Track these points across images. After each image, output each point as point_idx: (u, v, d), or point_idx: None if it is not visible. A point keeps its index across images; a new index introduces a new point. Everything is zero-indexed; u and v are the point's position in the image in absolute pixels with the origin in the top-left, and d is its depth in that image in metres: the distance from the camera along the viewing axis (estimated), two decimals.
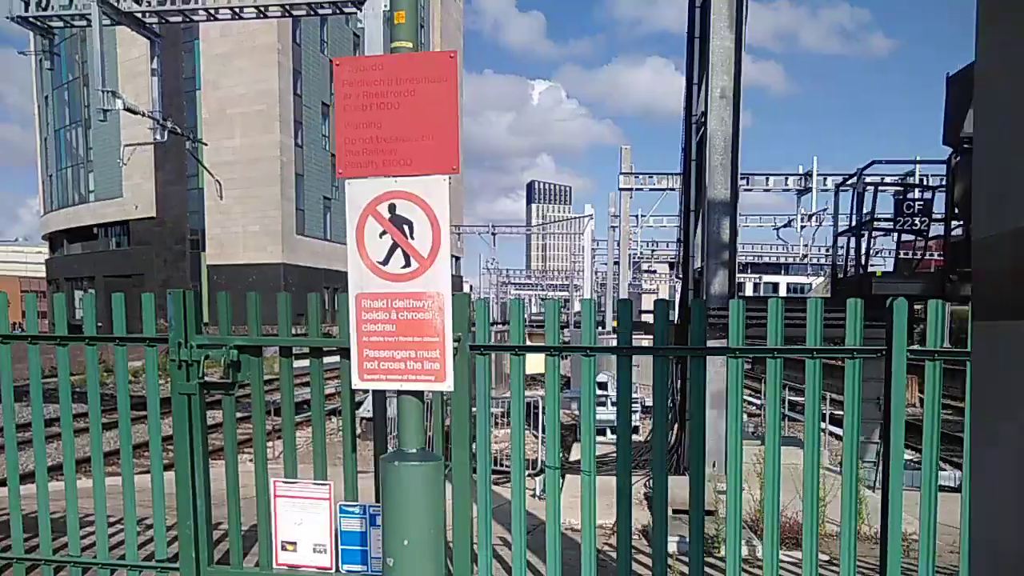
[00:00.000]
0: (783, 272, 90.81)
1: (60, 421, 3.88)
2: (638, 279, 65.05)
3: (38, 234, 64.55)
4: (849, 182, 7.88)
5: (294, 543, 3.58)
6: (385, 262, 2.18)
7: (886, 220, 7.28)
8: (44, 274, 63.33)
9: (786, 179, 31.22)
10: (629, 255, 39.01)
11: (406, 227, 2.15)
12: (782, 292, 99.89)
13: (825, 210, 30.71)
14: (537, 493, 7.59)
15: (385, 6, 13.87)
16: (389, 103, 2.11)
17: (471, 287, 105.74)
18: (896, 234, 7.65)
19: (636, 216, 42.13)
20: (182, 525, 3.62)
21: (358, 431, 14.50)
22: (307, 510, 3.55)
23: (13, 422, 3.94)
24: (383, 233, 2.18)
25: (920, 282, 6.61)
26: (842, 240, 8.07)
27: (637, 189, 34.20)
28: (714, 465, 7.95)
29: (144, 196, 50.16)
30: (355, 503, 3.56)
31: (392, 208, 2.16)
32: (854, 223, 7.43)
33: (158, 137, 15.67)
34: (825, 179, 29.32)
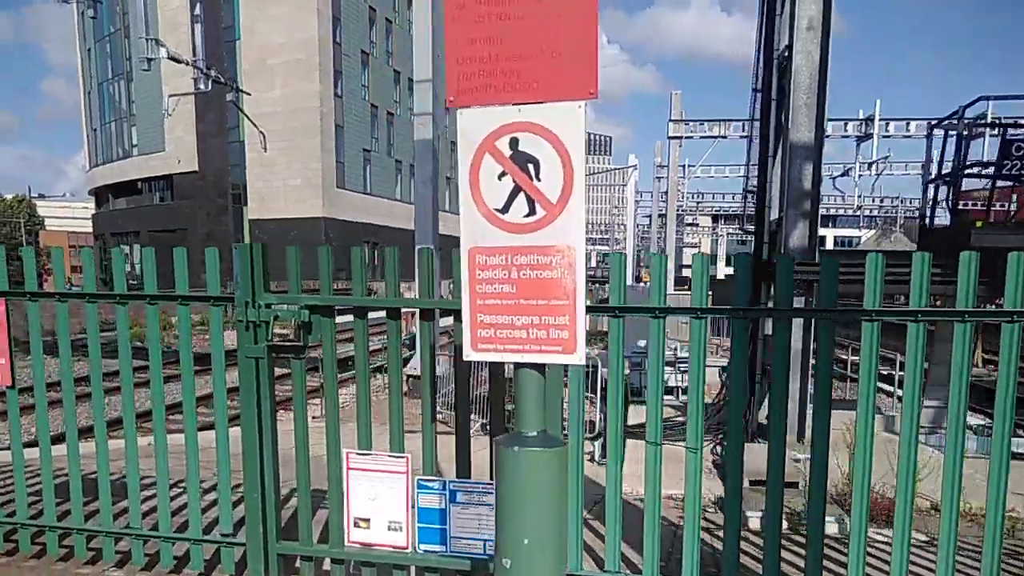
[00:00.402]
0: (831, 224, 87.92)
1: (121, 376, 3.65)
2: (680, 232, 63.63)
3: (84, 189, 65.78)
4: (946, 122, 7.19)
5: (367, 520, 3.33)
6: (505, 210, 1.80)
7: (987, 165, 6.63)
8: (91, 229, 64.68)
9: (845, 124, 29.50)
10: (676, 207, 37.91)
11: (531, 167, 1.76)
12: (828, 246, 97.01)
13: (887, 158, 29.24)
14: (596, 458, 7.31)
15: None
16: (511, 13, 1.70)
17: None
18: (991, 181, 6.98)
19: (683, 166, 40.88)
20: (249, 497, 3.38)
21: (404, 388, 14.34)
22: (382, 484, 3.29)
23: (72, 378, 3.73)
24: (503, 174, 1.79)
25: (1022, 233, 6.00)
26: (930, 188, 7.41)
27: (687, 137, 32.98)
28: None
29: (186, 150, 50.41)
30: (434, 478, 3.28)
31: (514, 143, 1.77)
32: (950, 167, 6.77)
33: (202, 87, 15.41)
34: (888, 124, 27.70)
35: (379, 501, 3.29)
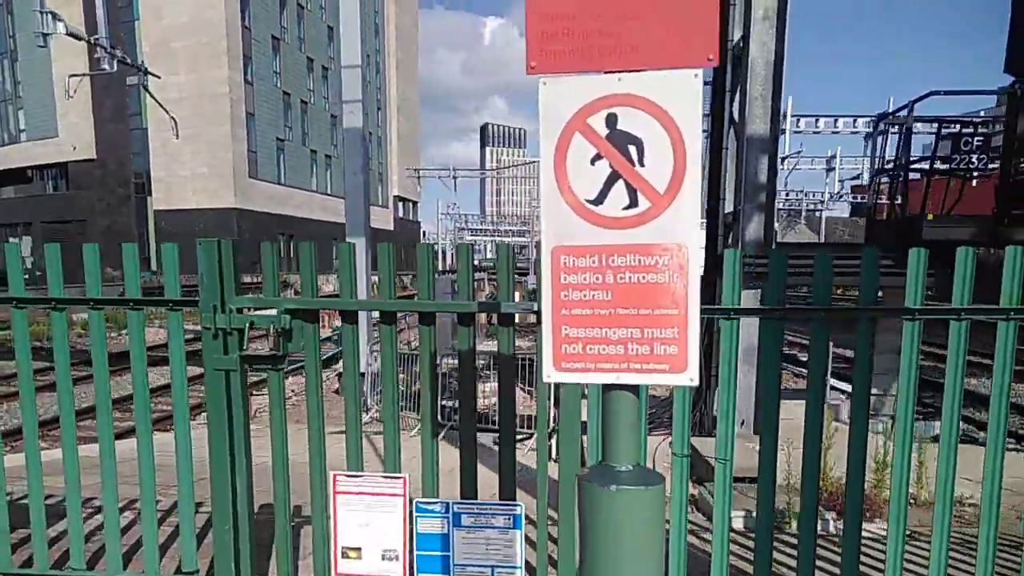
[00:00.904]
0: None
1: (58, 387, 3.12)
2: None
3: None
4: (896, 115, 7.36)
5: (358, 549, 2.95)
6: (599, 200, 1.50)
7: (935, 159, 6.80)
8: None
9: None
10: None
11: (632, 149, 1.47)
12: None
13: (799, 152, 30.52)
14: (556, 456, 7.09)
15: None
16: None
17: (425, 232, 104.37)
18: (945, 175, 7.19)
19: None
20: (218, 534, 2.94)
21: (335, 386, 13.53)
22: (375, 509, 2.92)
23: None
24: (597, 158, 1.49)
25: (970, 226, 6.19)
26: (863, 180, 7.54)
27: None
28: (742, 424, 7.57)
29: (82, 136, 47.09)
30: (435, 500, 2.94)
31: (612, 120, 1.47)
32: (900, 160, 6.92)
33: (106, 67, 14.15)
34: (799, 120, 28.98)
35: (371, 528, 2.92)
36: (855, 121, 28.78)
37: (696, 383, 1.51)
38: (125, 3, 44.97)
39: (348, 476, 2.92)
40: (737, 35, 7.10)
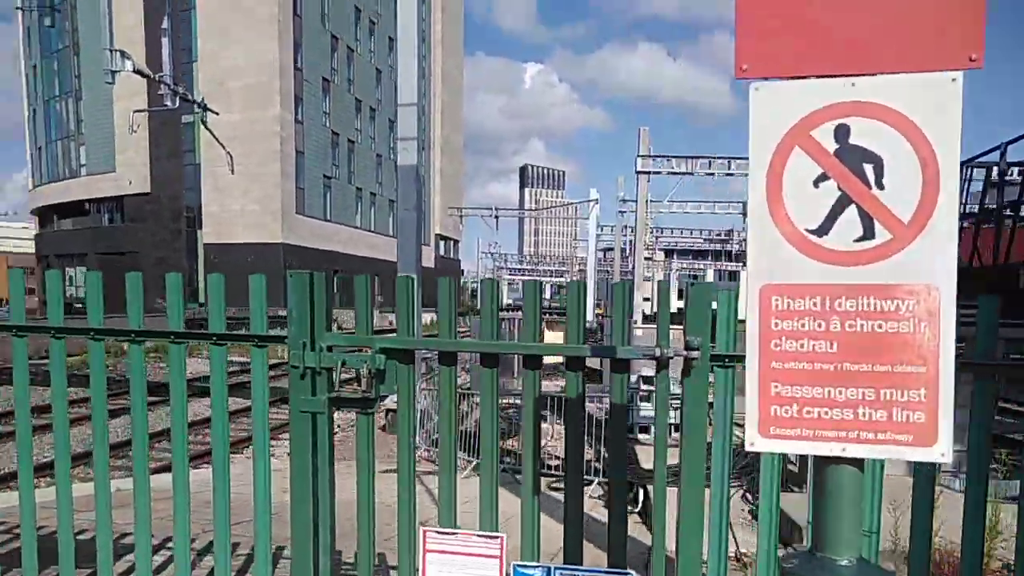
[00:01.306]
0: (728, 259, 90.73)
1: (55, 416, 2.93)
2: (624, 265, 64.39)
3: (25, 209, 62.89)
4: (982, 159, 6.99)
5: None
6: (823, 230, 1.24)
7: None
8: (32, 250, 61.72)
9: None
10: (644, 241, 38.00)
11: (869, 167, 1.21)
12: (709, 277, 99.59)
13: None
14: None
15: None
16: None
17: (465, 271, 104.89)
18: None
19: (646, 202, 41.17)
20: None
21: (380, 423, 13.42)
22: (469, 570, 2.64)
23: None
24: (822, 178, 1.23)
25: None
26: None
27: (655, 172, 33.11)
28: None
29: (138, 171, 48.70)
30: (535, 564, 2.65)
31: (842, 133, 1.21)
32: (989, 205, 6.53)
33: (168, 104, 14.52)
34: None
35: None
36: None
37: (949, 459, 1.21)
38: (185, 45, 46.80)
39: (440, 533, 2.65)
40: None
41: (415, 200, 13.71)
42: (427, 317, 37.51)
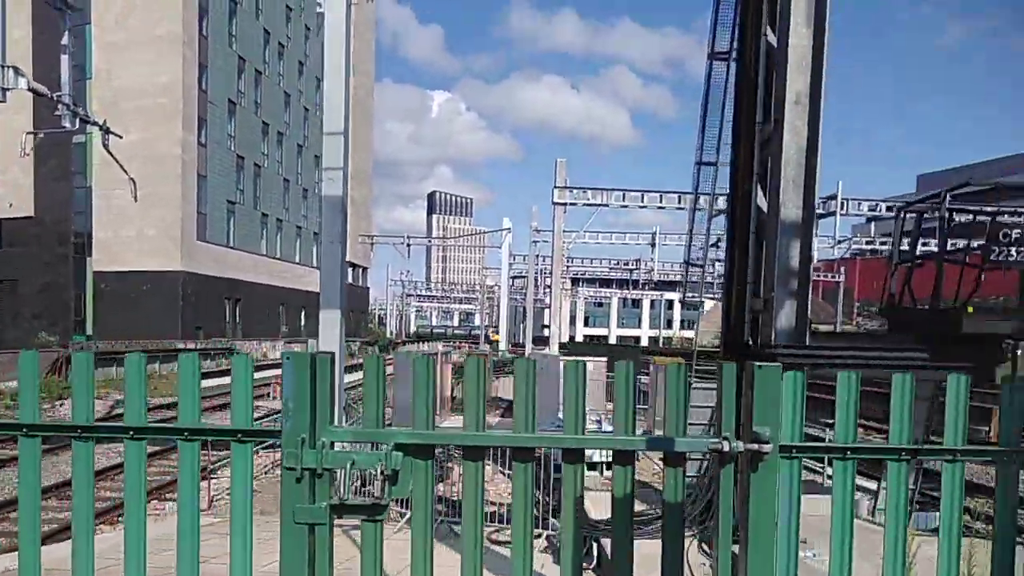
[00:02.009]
0: (677, 289, 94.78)
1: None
2: (537, 292, 65.29)
3: None
4: (922, 203, 7.30)
5: None
6: None
7: (970, 249, 6.71)
8: None
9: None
10: (560, 270, 38.41)
11: None
12: (676, 309, 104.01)
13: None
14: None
15: None
16: None
17: (375, 298, 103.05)
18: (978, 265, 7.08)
19: (549, 231, 41.77)
20: None
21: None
22: None
23: None
24: None
25: (1017, 319, 6.02)
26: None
27: (571, 204, 33.62)
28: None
29: (20, 193, 45.01)
30: None
31: None
32: (933, 248, 6.79)
33: (67, 125, 13.38)
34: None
35: None
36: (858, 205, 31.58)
37: None
38: (77, 62, 43.98)
39: None
40: (762, 118, 6.97)
41: (340, 232, 13.17)
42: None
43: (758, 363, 1.96)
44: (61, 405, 21.06)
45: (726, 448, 1.93)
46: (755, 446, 1.91)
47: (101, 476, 12.16)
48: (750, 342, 7.03)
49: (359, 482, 2.28)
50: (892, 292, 7.20)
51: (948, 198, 6.59)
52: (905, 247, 8.22)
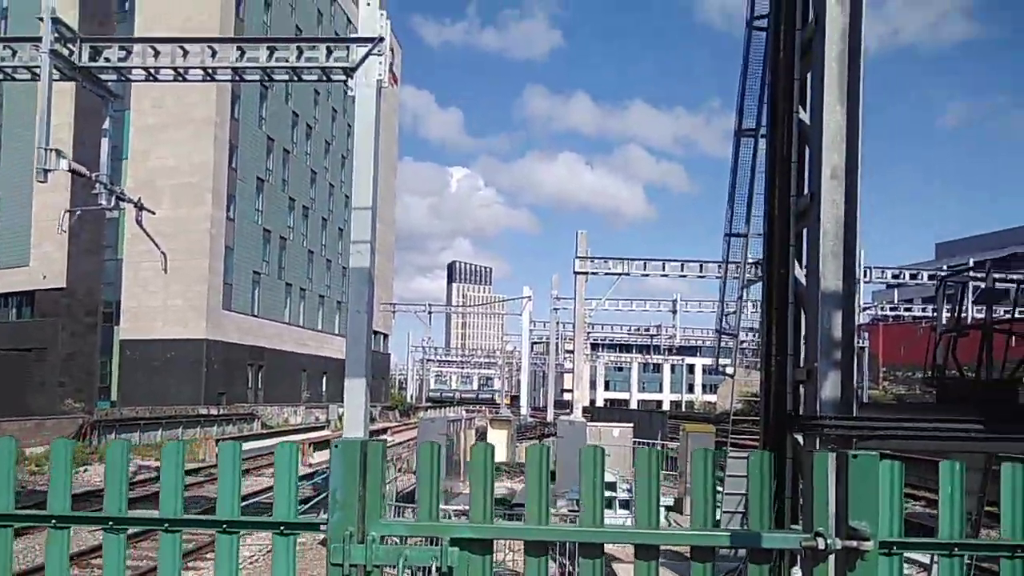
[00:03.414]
0: (698, 354, 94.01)
1: None
2: (559, 358, 65.06)
3: None
4: (968, 272, 7.16)
5: None
6: None
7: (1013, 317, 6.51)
8: None
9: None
10: (582, 337, 38.26)
11: None
12: (698, 373, 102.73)
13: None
14: None
15: (380, 75, 12.83)
16: None
17: (396, 363, 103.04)
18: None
19: (569, 298, 41.89)
20: None
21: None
22: None
23: None
24: None
25: None
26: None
27: (592, 273, 33.80)
28: None
29: (53, 266, 46.22)
30: None
31: None
32: (979, 319, 6.60)
33: (104, 202, 13.76)
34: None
35: None
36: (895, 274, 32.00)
37: None
38: (115, 143, 45.81)
39: None
40: (797, 190, 6.93)
41: (367, 302, 13.22)
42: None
43: (853, 452, 1.81)
44: (85, 471, 20.95)
45: (822, 545, 1.75)
46: (853, 543, 1.73)
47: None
48: (793, 413, 6.78)
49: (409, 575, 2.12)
50: (938, 361, 6.96)
51: (991, 267, 6.43)
52: (946, 315, 8.00)
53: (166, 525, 2.18)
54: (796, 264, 6.99)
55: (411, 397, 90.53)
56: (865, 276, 33.19)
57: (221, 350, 46.01)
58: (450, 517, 6.69)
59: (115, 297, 46.16)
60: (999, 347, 7.08)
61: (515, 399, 71.13)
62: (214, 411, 39.25)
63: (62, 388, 46.50)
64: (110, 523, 2.13)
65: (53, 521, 2.16)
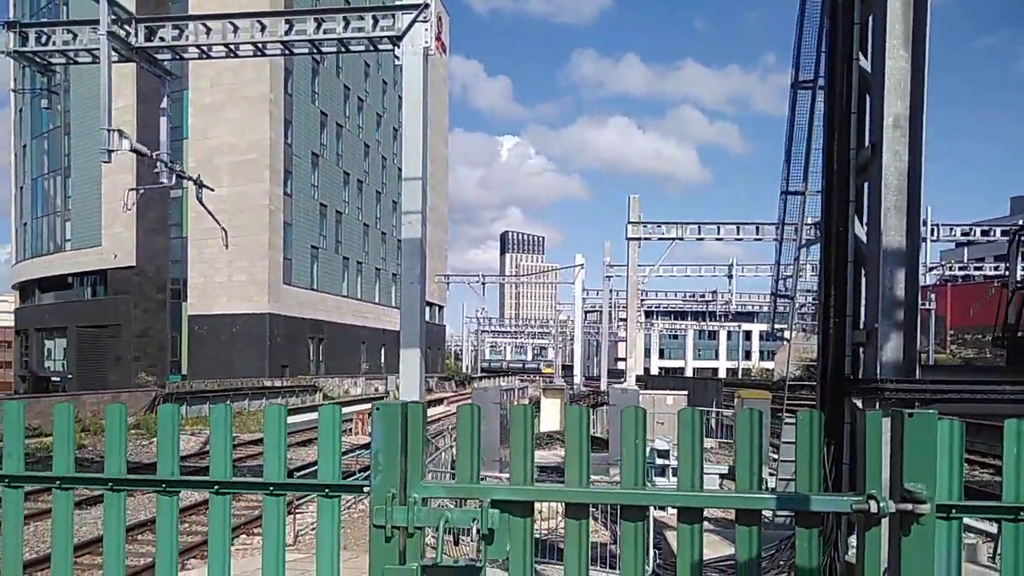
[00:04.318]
0: (755, 320, 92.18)
1: None
2: (612, 326, 64.60)
3: (7, 283, 61.96)
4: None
5: None
6: None
7: None
8: (12, 324, 60.44)
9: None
10: (635, 304, 37.84)
11: None
12: (755, 340, 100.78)
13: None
14: None
15: (426, 42, 12.76)
16: None
17: (451, 334, 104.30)
18: None
19: (623, 265, 41.33)
20: None
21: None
22: None
23: None
24: None
25: None
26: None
27: (646, 239, 33.24)
28: None
29: (124, 245, 48.23)
30: None
31: None
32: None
33: (165, 181, 14.20)
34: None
35: None
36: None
37: None
38: (175, 123, 47.12)
39: None
40: (861, 143, 6.61)
41: (420, 272, 13.34)
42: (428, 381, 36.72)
43: (908, 411, 1.71)
44: (156, 442, 21.95)
45: (874, 509, 1.67)
46: (909, 506, 1.64)
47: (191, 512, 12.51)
48: (852, 376, 6.56)
49: (451, 538, 2.13)
50: (1010, 321, 6.60)
51: None
52: (1021, 272, 7.57)
53: (216, 488, 2.25)
54: (856, 221, 6.70)
55: (466, 368, 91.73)
56: (932, 234, 31.63)
57: (283, 324, 47.39)
58: None
59: (182, 274, 47.88)
60: None
61: (567, 368, 71.20)
62: (278, 383, 40.64)
63: (137, 363, 48.85)
64: (163, 486, 2.20)
65: (110, 484, 2.25)
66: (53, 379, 50.27)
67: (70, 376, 47.83)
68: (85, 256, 50.24)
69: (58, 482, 2.26)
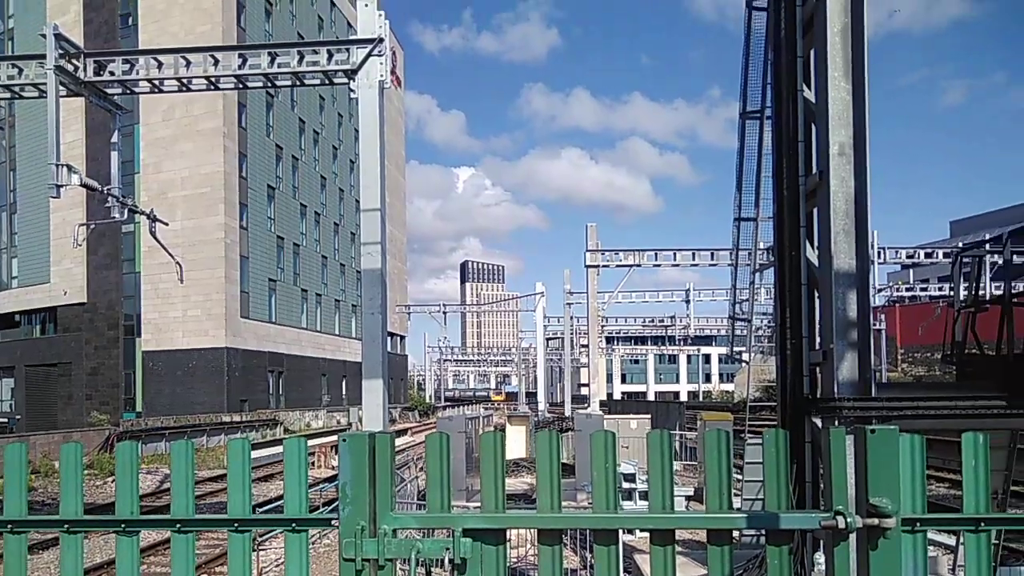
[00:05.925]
0: (713, 343, 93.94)
1: None
2: (574, 352, 65.02)
3: None
4: (982, 247, 7.03)
5: None
6: None
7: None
8: None
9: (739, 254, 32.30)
10: (596, 330, 38.12)
11: None
12: (714, 363, 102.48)
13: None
14: None
15: (381, 76, 12.84)
16: None
17: (413, 364, 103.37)
18: None
19: (582, 293, 41.83)
20: None
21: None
22: None
23: None
24: None
25: None
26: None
27: (604, 266, 33.66)
28: None
29: (74, 281, 46.92)
30: None
31: None
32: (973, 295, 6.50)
33: (117, 215, 13.88)
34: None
35: None
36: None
37: None
38: (126, 158, 46.29)
39: None
40: (806, 171, 6.85)
41: (381, 303, 13.24)
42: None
43: (871, 427, 1.77)
44: (114, 481, 21.15)
45: (842, 524, 1.71)
46: (875, 520, 1.69)
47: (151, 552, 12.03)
48: (811, 396, 6.71)
49: (423, 570, 2.11)
50: (958, 339, 6.84)
51: (1009, 241, 6.31)
52: (963, 291, 7.87)
53: (178, 526, 2.18)
54: (808, 245, 6.92)
55: (429, 397, 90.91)
56: (879, 257, 32.83)
57: (241, 358, 46.40)
58: None
59: (135, 310, 46.67)
60: (1020, 323, 6.96)
61: (531, 395, 71.06)
62: (237, 418, 39.65)
63: (88, 401, 47.20)
64: (123, 526, 2.13)
65: (66, 526, 2.17)
66: (1, 420, 48.33)
67: (18, 417, 46.00)
68: (33, 293, 48.74)
69: (10, 526, 2.16)
